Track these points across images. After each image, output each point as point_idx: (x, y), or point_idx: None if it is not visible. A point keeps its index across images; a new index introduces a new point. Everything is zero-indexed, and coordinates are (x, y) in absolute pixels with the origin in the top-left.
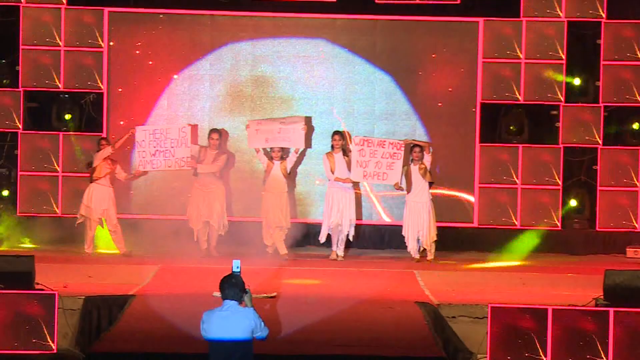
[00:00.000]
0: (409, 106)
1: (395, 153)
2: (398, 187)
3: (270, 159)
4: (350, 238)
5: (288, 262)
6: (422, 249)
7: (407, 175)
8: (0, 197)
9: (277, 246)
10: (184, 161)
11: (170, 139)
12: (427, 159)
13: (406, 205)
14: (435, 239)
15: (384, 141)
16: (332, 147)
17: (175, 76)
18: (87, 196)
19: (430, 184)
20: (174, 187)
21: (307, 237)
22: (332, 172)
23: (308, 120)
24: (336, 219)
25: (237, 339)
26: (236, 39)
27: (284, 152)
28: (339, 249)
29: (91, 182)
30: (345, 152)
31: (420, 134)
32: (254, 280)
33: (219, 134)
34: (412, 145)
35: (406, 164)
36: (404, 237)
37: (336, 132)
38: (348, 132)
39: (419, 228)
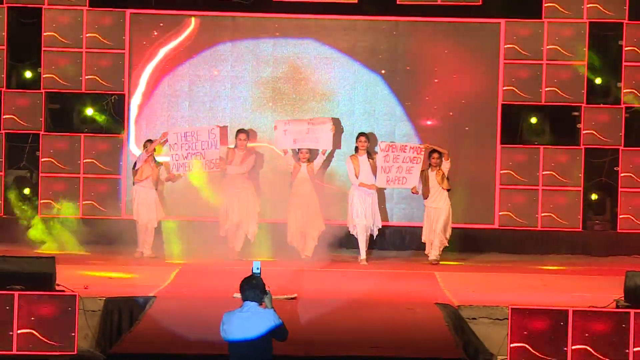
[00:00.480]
0: (427, 108)
1: (415, 157)
2: (414, 191)
3: (297, 160)
4: (374, 235)
5: (309, 264)
6: (440, 250)
7: (425, 180)
8: (22, 198)
9: (299, 248)
10: (214, 163)
11: (200, 141)
12: (446, 165)
13: (425, 210)
14: (446, 244)
15: (406, 145)
16: (356, 149)
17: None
18: (132, 199)
19: (448, 191)
20: (200, 189)
21: (337, 239)
22: (357, 176)
23: (335, 121)
24: (362, 220)
25: (256, 340)
26: (257, 40)
27: (311, 154)
28: (363, 252)
29: (134, 184)
30: (370, 154)
31: (438, 137)
32: (274, 282)
33: (246, 134)
34: (431, 150)
35: (424, 168)
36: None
37: (362, 134)
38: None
39: (435, 232)
